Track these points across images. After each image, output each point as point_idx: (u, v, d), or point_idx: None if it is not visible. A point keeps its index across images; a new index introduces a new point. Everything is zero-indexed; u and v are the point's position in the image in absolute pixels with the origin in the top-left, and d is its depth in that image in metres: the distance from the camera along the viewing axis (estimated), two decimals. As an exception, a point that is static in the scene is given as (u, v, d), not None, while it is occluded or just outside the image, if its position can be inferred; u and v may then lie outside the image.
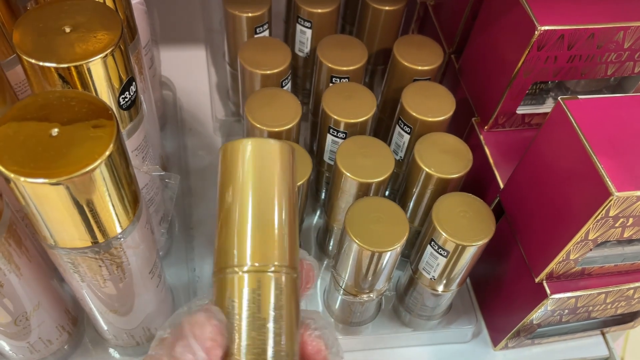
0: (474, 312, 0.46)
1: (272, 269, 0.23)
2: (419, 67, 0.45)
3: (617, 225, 0.33)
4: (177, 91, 0.59)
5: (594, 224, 0.32)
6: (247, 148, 0.24)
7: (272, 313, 0.22)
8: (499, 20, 0.42)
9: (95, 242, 0.29)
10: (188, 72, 0.62)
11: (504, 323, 0.44)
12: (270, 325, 0.22)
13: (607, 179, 0.31)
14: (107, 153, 0.26)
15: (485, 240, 0.36)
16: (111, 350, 0.43)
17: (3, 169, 0.25)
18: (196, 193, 0.53)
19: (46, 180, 0.25)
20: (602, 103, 0.35)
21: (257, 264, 0.22)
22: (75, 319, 0.42)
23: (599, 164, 0.31)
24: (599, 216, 0.32)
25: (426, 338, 0.46)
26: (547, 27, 0.37)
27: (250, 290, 0.22)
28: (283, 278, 0.23)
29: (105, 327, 0.39)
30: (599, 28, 0.38)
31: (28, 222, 0.30)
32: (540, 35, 0.37)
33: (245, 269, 0.22)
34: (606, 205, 0.31)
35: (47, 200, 0.26)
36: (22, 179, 0.25)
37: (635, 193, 0.30)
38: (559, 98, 0.34)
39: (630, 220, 0.33)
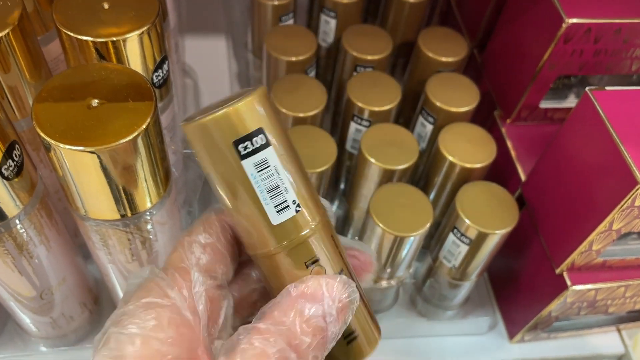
0: (491, 303, 0.47)
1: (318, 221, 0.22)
2: (443, 59, 0.45)
3: (642, 215, 0.33)
4: (198, 79, 0.60)
5: (619, 214, 0.33)
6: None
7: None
8: (526, 13, 0.42)
9: (125, 215, 0.29)
10: (209, 61, 0.62)
11: (522, 315, 0.44)
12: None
13: (634, 168, 0.31)
14: (145, 125, 0.26)
15: (508, 229, 0.36)
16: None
17: (44, 136, 0.25)
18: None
19: (85, 149, 0.25)
20: (629, 95, 0.35)
21: (313, 224, 0.22)
22: (97, 298, 0.42)
23: (626, 154, 0.32)
24: (625, 205, 0.32)
25: (442, 329, 0.46)
26: (574, 20, 0.37)
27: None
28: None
29: (127, 305, 0.39)
30: (626, 23, 0.38)
31: (60, 196, 0.30)
32: (568, 29, 0.38)
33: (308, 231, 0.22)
34: (633, 194, 0.31)
35: (84, 169, 0.26)
36: (62, 146, 0.25)
37: (663, 183, 0.31)
38: (586, 88, 0.35)
39: (656, 211, 0.33)
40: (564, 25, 0.38)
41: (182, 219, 0.38)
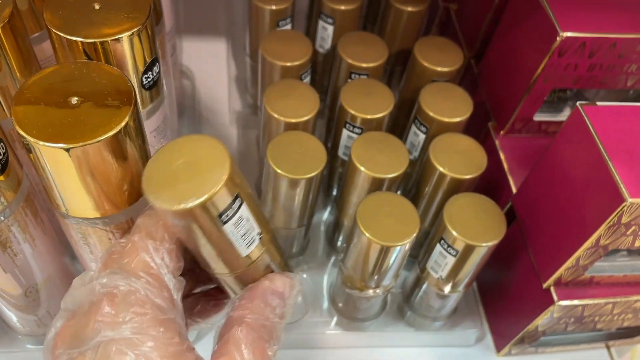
0: (479, 316, 0.46)
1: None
2: (439, 69, 0.45)
3: (628, 233, 0.33)
4: (196, 81, 0.60)
5: (605, 230, 0.32)
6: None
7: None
8: (521, 25, 0.42)
9: (105, 213, 0.29)
10: (208, 63, 0.62)
11: (509, 328, 0.44)
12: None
13: (622, 185, 0.31)
14: (123, 124, 0.26)
15: (495, 242, 0.36)
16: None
17: (22, 132, 0.25)
18: (209, 182, 0.53)
19: (60, 146, 0.25)
20: (621, 111, 0.35)
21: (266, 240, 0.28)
22: (83, 296, 0.42)
23: (614, 170, 0.31)
24: (611, 222, 0.32)
25: (429, 339, 0.46)
26: (569, 34, 0.37)
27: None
28: None
29: (113, 305, 0.39)
30: (621, 38, 0.38)
31: (45, 195, 0.30)
32: (562, 42, 0.38)
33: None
34: (619, 211, 0.31)
35: (62, 166, 0.26)
36: (40, 143, 0.25)
37: (650, 201, 0.30)
38: (577, 103, 0.34)
39: (643, 228, 0.33)
40: (558, 39, 0.37)
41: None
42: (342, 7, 0.48)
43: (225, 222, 0.24)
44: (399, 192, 0.50)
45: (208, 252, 0.26)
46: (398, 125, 0.51)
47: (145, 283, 0.25)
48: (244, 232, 0.26)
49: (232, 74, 0.61)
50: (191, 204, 0.23)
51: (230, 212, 0.25)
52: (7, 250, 0.32)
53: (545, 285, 0.38)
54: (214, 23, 0.66)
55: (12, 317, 0.38)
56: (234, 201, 0.24)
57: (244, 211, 0.25)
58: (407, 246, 0.36)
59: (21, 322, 0.39)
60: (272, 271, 0.29)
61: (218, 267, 0.27)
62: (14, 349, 0.42)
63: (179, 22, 0.52)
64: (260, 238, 0.27)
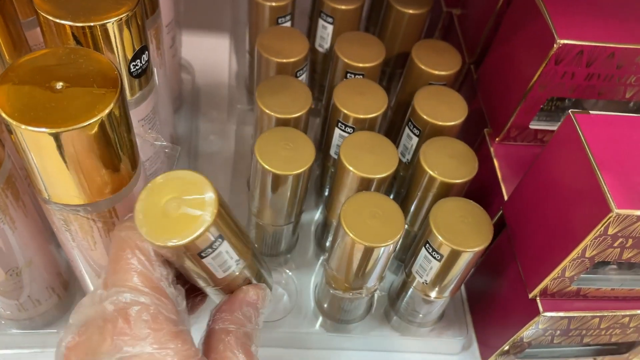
0: (467, 324, 0.46)
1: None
2: (435, 72, 0.45)
3: (615, 245, 0.32)
4: (196, 75, 0.60)
5: (592, 241, 0.32)
6: None
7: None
8: (520, 31, 0.42)
9: (87, 201, 0.29)
10: (210, 58, 0.62)
11: (495, 338, 0.43)
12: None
13: (609, 195, 0.30)
14: (107, 111, 0.26)
15: (481, 248, 0.36)
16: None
17: (4, 115, 0.25)
18: (202, 176, 0.53)
19: (43, 130, 0.25)
20: (614, 120, 0.34)
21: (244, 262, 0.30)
22: (67, 284, 0.42)
23: (602, 180, 0.31)
24: (598, 233, 0.31)
25: (415, 345, 0.45)
26: (566, 41, 0.37)
27: None
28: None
29: (94, 294, 0.39)
30: (620, 48, 0.37)
31: (29, 180, 0.30)
32: (559, 49, 0.37)
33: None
34: (605, 222, 0.30)
35: (43, 151, 0.26)
36: (22, 126, 0.25)
37: (636, 212, 0.30)
38: (569, 111, 0.34)
39: (630, 241, 0.32)
40: (555, 46, 0.37)
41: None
42: (342, 7, 0.48)
43: (204, 257, 0.27)
44: (391, 196, 0.49)
45: (189, 273, 0.29)
46: (394, 128, 0.51)
47: (152, 298, 0.26)
48: (221, 262, 0.28)
49: (232, 70, 0.61)
50: (177, 243, 0.25)
51: (209, 250, 0.27)
52: (-14, 231, 0.32)
53: (531, 295, 0.38)
54: (218, 20, 0.66)
55: (-6, 300, 0.38)
56: (214, 242, 0.27)
57: (224, 247, 0.28)
58: (391, 247, 0.35)
59: (2, 306, 0.38)
60: (250, 282, 0.32)
61: (199, 282, 0.30)
62: (-5, 332, 0.42)
63: (179, 15, 0.52)
64: (237, 264, 0.29)
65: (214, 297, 0.31)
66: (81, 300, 0.28)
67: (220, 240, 0.27)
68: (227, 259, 0.29)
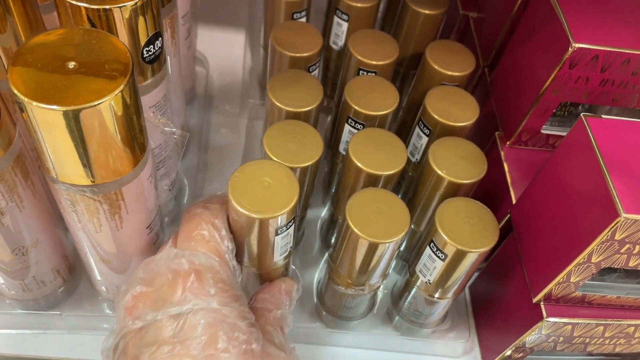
0: (469, 327, 0.45)
1: None
2: (448, 72, 0.45)
3: (622, 251, 0.32)
4: (210, 69, 0.60)
5: (598, 246, 0.31)
6: None
7: None
8: (536, 34, 0.41)
9: (93, 182, 0.29)
10: (225, 53, 0.63)
11: (498, 342, 0.43)
12: None
13: (617, 200, 0.30)
14: (116, 92, 0.26)
15: (485, 249, 0.35)
16: (105, 305, 0.43)
17: (16, 91, 0.25)
18: (212, 168, 0.53)
19: (53, 107, 0.25)
20: (627, 126, 0.34)
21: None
22: (72, 267, 0.43)
23: (611, 184, 0.30)
24: (605, 238, 0.31)
25: (416, 346, 0.45)
26: (581, 45, 0.36)
27: None
28: None
29: (99, 277, 0.39)
30: (636, 54, 0.37)
31: (39, 162, 0.30)
32: (574, 53, 0.37)
33: None
34: (613, 226, 0.30)
35: (52, 129, 0.26)
36: (33, 103, 0.25)
37: (644, 217, 0.29)
38: (581, 114, 0.34)
39: (637, 248, 0.31)
40: (570, 49, 0.37)
41: (160, 196, 0.38)
42: (358, 4, 0.48)
43: (278, 235, 0.33)
44: (399, 196, 0.49)
45: (249, 248, 0.34)
46: (405, 127, 0.51)
47: (221, 264, 0.31)
48: (284, 244, 0.35)
49: (247, 65, 0.61)
50: (266, 216, 0.31)
51: (284, 228, 0.33)
52: (-6, 208, 0.32)
53: (535, 300, 0.37)
54: (235, 15, 0.67)
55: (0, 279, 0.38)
56: (290, 222, 0.33)
57: (291, 230, 0.34)
58: (395, 244, 0.35)
59: (7, 285, 0.39)
60: (285, 274, 0.38)
61: (250, 261, 0.35)
62: (1, 310, 0.42)
63: (196, 7, 0.52)
64: (288, 251, 0.36)
65: (250, 282, 0.37)
66: (152, 256, 0.32)
67: (292, 222, 0.33)
68: (288, 242, 0.35)
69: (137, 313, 0.30)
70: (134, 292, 0.31)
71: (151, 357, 0.28)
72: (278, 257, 0.35)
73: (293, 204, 0.32)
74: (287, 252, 0.36)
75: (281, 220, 0.32)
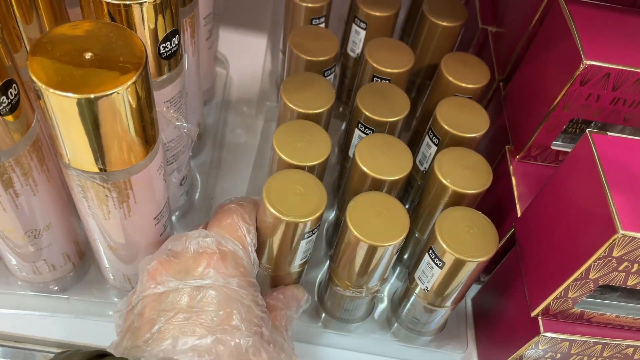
0: (466, 339, 0.45)
1: None
2: (462, 84, 0.45)
3: (620, 268, 0.32)
4: (230, 70, 0.61)
5: (595, 262, 0.31)
6: None
7: None
8: (549, 50, 0.41)
9: (103, 169, 0.31)
10: (246, 55, 0.64)
11: (496, 355, 0.43)
12: None
13: (616, 216, 0.30)
14: (129, 83, 0.27)
15: (484, 259, 0.35)
16: (112, 292, 0.44)
17: (34, 78, 0.27)
18: (225, 166, 0.54)
19: (68, 95, 0.26)
20: (632, 144, 0.34)
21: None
22: (83, 254, 0.44)
23: (611, 200, 0.30)
24: (602, 254, 0.31)
25: (413, 354, 0.45)
26: (592, 62, 0.37)
27: None
28: None
29: (107, 265, 0.40)
30: (649, 74, 0.37)
31: (55, 149, 0.32)
32: (585, 70, 0.37)
33: None
34: (610, 243, 0.30)
35: (66, 115, 0.28)
36: (50, 90, 0.27)
37: (642, 235, 0.29)
38: (587, 130, 0.34)
39: (635, 266, 0.31)
40: (581, 66, 0.37)
41: (169, 189, 0.39)
42: (376, 13, 0.49)
43: (304, 238, 0.35)
44: (406, 205, 0.49)
45: (272, 249, 0.36)
46: (418, 137, 0.51)
47: (244, 252, 0.34)
48: (306, 249, 0.37)
49: (267, 68, 0.62)
50: (296, 220, 0.34)
51: (310, 233, 0.35)
52: (9, 190, 0.33)
53: (533, 314, 0.37)
54: (258, 19, 0.68)
55: (12, 259, 0.40)
56: (316, 227, 0.35)
57: (314, 236, 0.36)
58: (394, 248, 0.35)
59: (19, 266, 0.40)
60: (296, 282, 0.40)
61: (268, 262, 0.38)
62: (11, 290, 0.43)
63: (219, 9, 0.54)
64: (307, 258, 0.39)
65: (260, 284, 0.37)
66: (185, 232, 0.35)
67: (317, 229, 0.36)
68: (309, 248, 0.37)
69: (161, 279, 0.32)
70: (161, 258, 0.33)
71: (167, 322, 0.30)
72: (298, 262, 0.38)
73: (321, 211, 0.34)
74: (305, 259, 0.38)
75: (309, 225, 0.34)
